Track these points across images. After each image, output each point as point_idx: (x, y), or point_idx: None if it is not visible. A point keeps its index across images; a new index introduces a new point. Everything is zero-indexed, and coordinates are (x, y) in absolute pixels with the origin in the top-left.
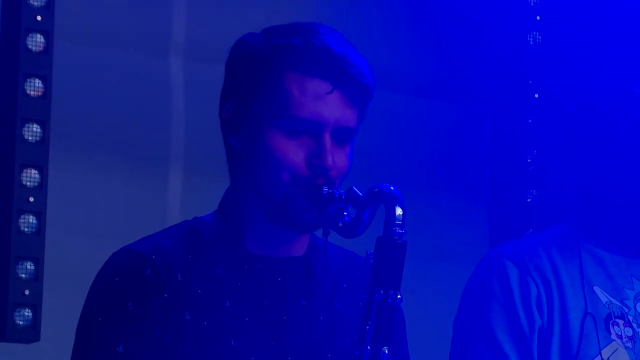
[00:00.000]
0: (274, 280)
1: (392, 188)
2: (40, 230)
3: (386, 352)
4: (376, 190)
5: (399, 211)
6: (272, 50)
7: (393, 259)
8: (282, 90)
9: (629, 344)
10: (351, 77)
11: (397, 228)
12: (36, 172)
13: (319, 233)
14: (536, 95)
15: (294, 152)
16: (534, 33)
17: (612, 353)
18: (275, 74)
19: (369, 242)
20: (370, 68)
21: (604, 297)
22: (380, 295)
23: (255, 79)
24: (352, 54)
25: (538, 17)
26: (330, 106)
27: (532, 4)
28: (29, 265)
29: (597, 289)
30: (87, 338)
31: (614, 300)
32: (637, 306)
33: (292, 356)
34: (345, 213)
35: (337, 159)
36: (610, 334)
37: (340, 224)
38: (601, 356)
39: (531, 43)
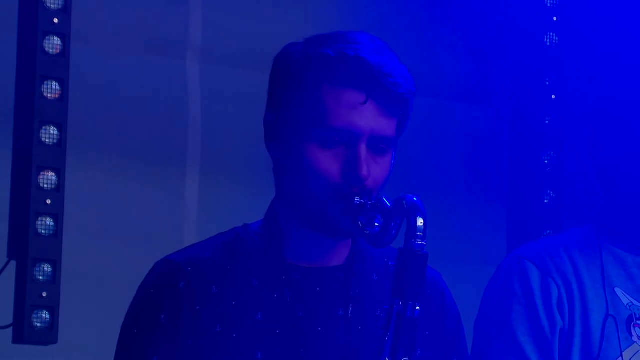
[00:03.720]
0: (312, 291)
1: (415, 199)
2: (57, 232)
3: None
4: (401, 201)
5: (420, 222)
6: (308, 61)
7: (413, 271)
8: (317, 102)
9: None
10: (385, 87)
11: (417, 240)
12: (53, 174)
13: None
14: (553, 96)
15: (329, 163)
16: (551, 34)
17: (634, 355)
18: (311, 85)
19: None
20: (409, 77)
21: (625, 298)
22: (399, 307)
23: (292, 90)
24: (387, 62)
25: (555, 18)
26: (365, 116)
27: (548, 5)
28: (47, 268)
29: (618, 291)
30: (125, 348)
31: (635, 302)
32: None
33: None
34: (376, 224)
35: (373, 169)
36: (631, 335)
37: (368, 233)
38: (622, 358)
39: (548, 44)
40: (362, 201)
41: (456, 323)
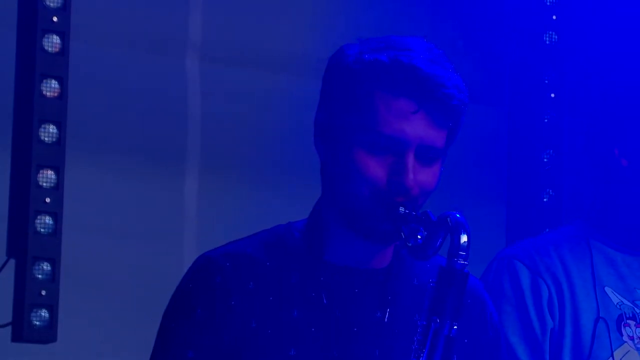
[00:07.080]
0: (351, 291)
1: (458, 215)
2: (56, 230)
3: None
4: (446, 217)
5: (463, 239)
6: (362, 66)
7: (453, 290)
8: (370, 108)
9: None
10: (437, 98)
11: (460, 259)
12: (52, 172)
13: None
14: (552, 95)
15: (375, 168)
16: (550, 32)
17: (625, 354)
18: (364, 91)
19: None
20: (463, 88)
21: (615, 297)
22: (436, 324)
23: (345, 94)
24: (441, 73)
25: (554, 17)
26: (414, 125)
27: (548, 4)
28: (46, 266)
29: (608, 290)
30: (162, 343)
31: (625, 301)
32: None
33: None
34: (418, 236)
35: (420, 177)
36: (622, 335)
37: (411, 245)
38: (613, 358)
39: (547, 42)
40: (407, 211)
41: (495, 333)
